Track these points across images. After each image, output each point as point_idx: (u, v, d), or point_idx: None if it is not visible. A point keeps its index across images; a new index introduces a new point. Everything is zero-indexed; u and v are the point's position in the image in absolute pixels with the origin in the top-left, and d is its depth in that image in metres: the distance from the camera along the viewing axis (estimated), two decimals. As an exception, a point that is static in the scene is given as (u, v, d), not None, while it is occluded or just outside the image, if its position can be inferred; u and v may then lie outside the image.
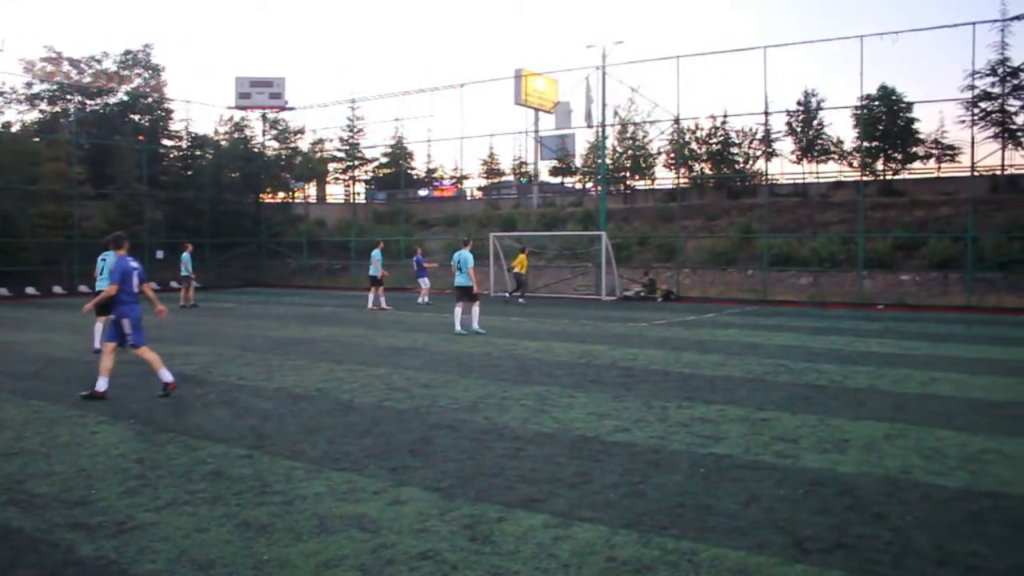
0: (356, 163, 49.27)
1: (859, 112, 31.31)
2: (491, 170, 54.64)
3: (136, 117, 43.60)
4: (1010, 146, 32.67)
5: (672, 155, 40.22)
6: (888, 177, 36.96)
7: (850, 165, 38.44)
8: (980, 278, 24.91)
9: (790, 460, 6.65)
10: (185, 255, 24.22)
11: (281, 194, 48.44)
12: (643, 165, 43.24)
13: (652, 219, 36.44)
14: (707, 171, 41.50)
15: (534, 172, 49.39)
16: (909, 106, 34.65)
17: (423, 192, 53.52)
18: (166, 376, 9.42)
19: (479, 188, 55.44)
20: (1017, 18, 29.19)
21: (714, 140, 40.84)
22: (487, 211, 42.60)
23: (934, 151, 36.54)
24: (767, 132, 35.65)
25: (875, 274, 27.19)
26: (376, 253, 23.63)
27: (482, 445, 7.15)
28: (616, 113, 40.66)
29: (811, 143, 38.60)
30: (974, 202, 25.71)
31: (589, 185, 47.96)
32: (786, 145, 39.46)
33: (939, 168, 37.53)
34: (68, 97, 43.29)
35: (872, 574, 4.37)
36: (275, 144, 46.45)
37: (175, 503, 5.54)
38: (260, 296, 30.62)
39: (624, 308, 23.90)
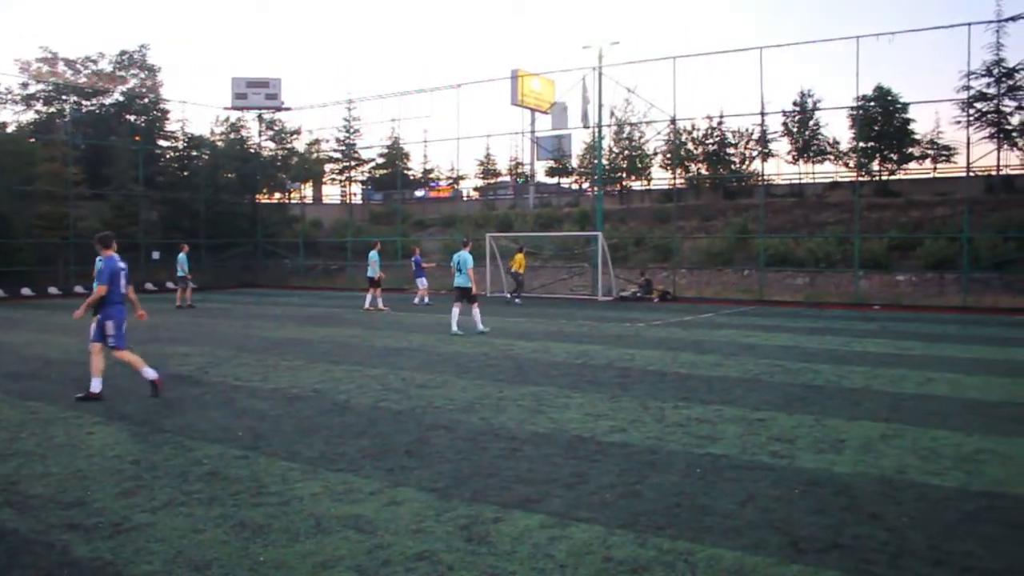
0: (352, 164, 49.27)
1: (855, 112, 31.37)
2: (487, 171, 54.67)
3: (132, 118, 43.52)
4: (1005, 147, 32.73)
5: (668, 155, 40.26)
6: (884, 178, 37.02)
7: (846, 166, 38.51)
8: (976, 278, 24.97)
9: (786, 460, 6.66)
10: (181, 256, 24.19)
11: (277, 195, 48.40)
12: (639, 166, 43.25)
13: (648, 219, 36.47)
14: (703, 171, 41.53)
15: (530, 173, 49.41)
16: (905, 107, 34.69)
17: (419, 193, 53.51)
18: (150, 374, 9.34)
19: (475, 189, 55.45)
20: (1012, 19, 29.27)
21: (710, 140, 40.87)
22: (483, 212, 42.60)
23: (930, 152, 36.62)
24: (763, 132, 35.67)
25: (871, 274, 27.24)
26: (373, 254, 23.63)
27: (478, 446, 7.15)
28: (612, 114, 40.68)
29: (807, 143, 38.65)
30: (970, 202, 25.76)
31: (585, 186, 47.98)
32: (782, 146, 39.54)
33: (935, 169, 37.61)
34: (64, 98, 43.20)
35: (868, 574, 4.37)
36: (271, 145, 46.45)
37: (171, 504, 5.53)
38: (256, 297, 30.60)
39: (620, 308, 23.92)
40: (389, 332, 16.96)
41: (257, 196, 43.48)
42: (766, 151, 37.55)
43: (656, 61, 41.04)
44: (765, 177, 36.52)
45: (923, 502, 5.59)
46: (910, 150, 36.09)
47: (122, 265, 9.48)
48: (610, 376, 11.03)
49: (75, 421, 8.22)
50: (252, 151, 43.48)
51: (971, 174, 28.51)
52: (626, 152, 42.66)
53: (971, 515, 5.32)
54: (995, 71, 31.59)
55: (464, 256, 16.60)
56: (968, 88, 29.79)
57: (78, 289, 29.81)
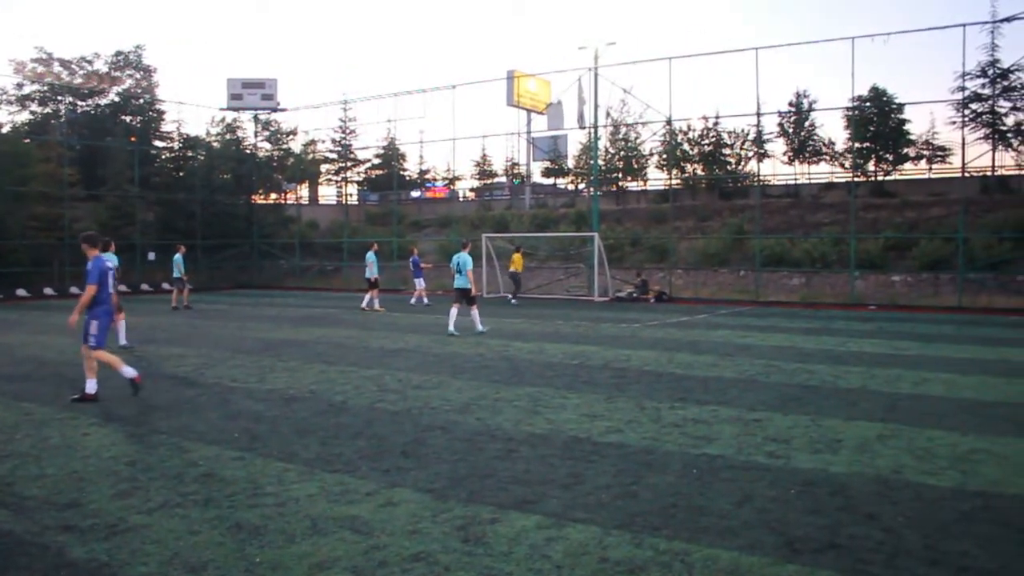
0: (348, 164, 49.24)
1: (851, 113, 31.43)
2: (483, 171, 54.66)
3: (127, 118, 43.48)
4: (1000, 147, 32.80)
5: (664, 156, 40.28)
6: (880, 178, 37.10)
7: (842, 166, 38.57)
8: (971, 279, 25.02)
9: (782, 460, 6.67)
10: (177, 257, 24.13)
11: (273, 195, 48.35)
12: (635, 166, 43.29)
13: (644, 220, 36.50)
14: (699, 172, 41.56)
15: (526, 173, 49.41)
16: (900, 107, 34.76)
17: (415, 193, 53.49)
18: (129, 372, 9.29)
19: (471, 189, 55.44)
20: (1007, 20, 29.38)
21: (706, 141, 40.91)
22: (479, 212, 42.59)
23: (925, 152, 36.68)
24: (759, 133, 35.73)
25: (867, 275, 27.29)
26: (371, 255, 23.64)
27: (475, 446, 7.15)
28: (608, 114, 40.72)
29: (803, 144, 38.71)
30: (965, 203, 25.85)
31: (581, 186, 48.00)
32: (778, 146, 39.63)
33: (930, 169, 37.69)
34: (59, 98, 43.13)
35: (864, 574, 4.38)
36: (267, 145, 46.38)
37: (167, 505, 5.52)
38: (252, 298, 30.56)
39: (616, 309, 23.93)
40: (385, 333, 16.95)
41: (253, 197, 43.43)
42: (762, 152, 37.63)
43: (652, 62, 41.04)
44: (761, 178, 36.62)
45: (919, 502, 5.60)
46: (906, 151, 36.17)
47: (110, 265, 9.45)
48: (606, 377, 11.03)
49: (70, 422, 8.20)
50: (248, 152, 43.43)
51: (966, 175, 28.61)
52: (622, 153, 42.68)
53: (967, 515, 5.34)
54: (990, 72, 31.68)
55: (464, 257, 16.60)
56: (963, 89, 29.90)
57: (73, 290, 29.75)
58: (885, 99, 34.64)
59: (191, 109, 61.49)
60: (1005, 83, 31.58)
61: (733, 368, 11.81)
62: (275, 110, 42.75)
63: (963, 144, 28.31)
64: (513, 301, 25.77)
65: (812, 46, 38.72)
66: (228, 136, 43.94)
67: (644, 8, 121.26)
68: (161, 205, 38.55)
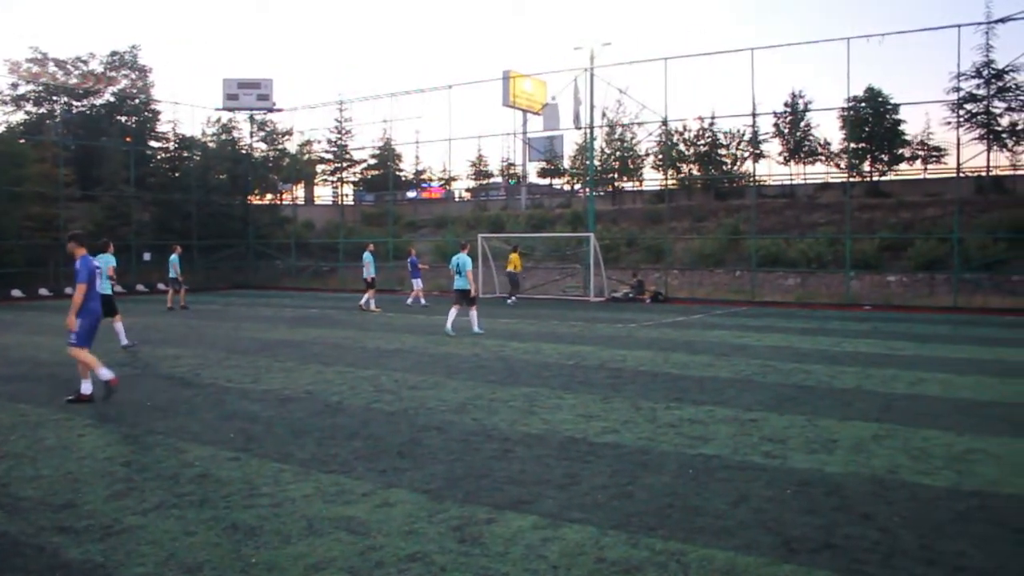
0: (344, 165, 49.18)
1: (846, 113, 31.48)
2: (479, 172, 54.63)
3: (123, 119, 43.37)
4: (995, 148, 32.87)
5: (660, 156, 40.31)
6: (875, 178, 37.16)
7: (837, 166, 38.61)
8: (966, 279, 25.08)
9: (778, 460, 6.68)
10: (173, 257, 24.08)
11: (269, 196, 48.27)
12: (631, 166, 43.30)
13: (640, 220, 36.52)
14: (695, 172, 41.60)
15: (522, 174, 49.40)
16: (895, 108, 34.84)
17: (411, 194, 53.44)
18: (105, 374, 9.22)
19: (467, 190, 55.41)
20: (1002, 20, 29.44)
21: (702, 142, 40.94)
22: (475, 213, 42.58)
23: (920, 152, 36.76)
24: (755, 133, 35.77)
25: (862, 275, 27.34)
26: (367, 255, 23.64)
27: (470, 447, 7.14)
28: (604, 115, 40.72)
29: (798, 144, 38.76)
30: (960, 203, 25.89)
31: (577, 187, 48.00)
32: (774, 147, 39.64)
33: (925, 169, 37.77)
34: (54, 98, 43.03)
35: (860, 574, 4.39)
36: (263, 146, 46.31)
37: (162, 506, 5.51)
38: (248, 298, 30.52)
39: (612, 309, 23.94)
40: (381, 333, 16.94)
41: (249, 197, 43.37)
42: (758, 152, 37.66)
43: (648, 62, 40.86)
44: (757, 178, 36.65)
45: (914, 502, 5.61)
46: (901, 151, 36.24)
47: (97, 264, 9.43)
48: (602, 377, 11.04)
49: (66, 423, 8.18)
50: (244, 152, 43.37)
51: (961, 175, 28.65)
52: (618, 153, 42.70)
53: (962, 515, 5.34)
54: (985, 72, 31.75)
55: (463, 258, 16.60)
56: (958, 89, 29.93)
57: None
58: (880, 99, 34.71)
59: (187, 109, 61.37)
60: (1000, 84, 31.66)
61: (729, 368, 11.82)
62: (271, 110, 42.72)
63: (958, 144, 28.39)
64: (509, 301, 25.77)
65: (808, 47, 38.54)
66: (224, 136, 43.87)
67: (640, 9, 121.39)
68: (157, 205, 38.48)
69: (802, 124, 38.52)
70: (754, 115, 30.20)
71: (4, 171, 30.72)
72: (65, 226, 31.92)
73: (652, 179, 44.55)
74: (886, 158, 36.42)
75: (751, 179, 36.74)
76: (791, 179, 41.37)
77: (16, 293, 30.00)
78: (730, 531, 5.01)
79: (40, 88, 42.81)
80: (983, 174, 33.10)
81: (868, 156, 36.38)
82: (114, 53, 45.73)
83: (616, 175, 43.79)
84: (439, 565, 4.47)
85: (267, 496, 5.72)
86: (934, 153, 36.58)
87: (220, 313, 22.82)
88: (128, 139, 40.06)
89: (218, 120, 43.89)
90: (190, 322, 19.79)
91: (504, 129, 62.45)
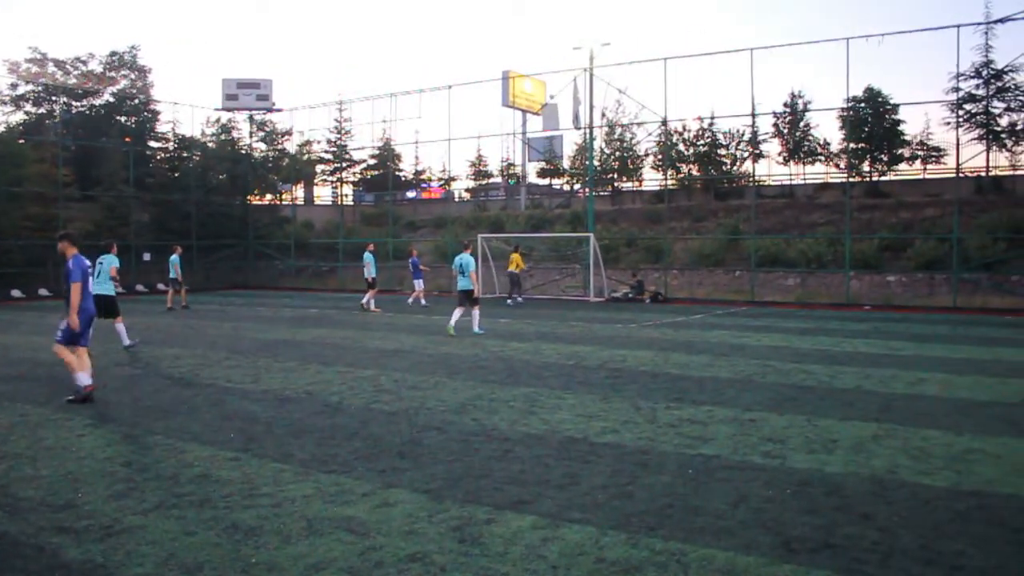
0: (344, 165, 49.16)
1: (845, 114, 31.48)
2: (479, 172, 54.60)
3: (122, 119, 43.33)
4: (994, 148, 32.88)
5: (660, 157, 40.31)
6: (874, 179, 37.15)
7: (837, 167, 38.60)
8: (965, 279, 25.09)
9: (778, 461, 6.68)
10: (174, 257, 24.08)
11: (268, 196, 48.23)
12: (631, 167, 43.29)
13: (640, 220, 36.51)
14: (694, 172, 41.59)
15: (522, 174, 49.39)
16: (895, 108, 34.82)
17: (411, 194, 53.41)
18: (83, 379, 9.20)
19: (467, 190, 55.38)
20: (1001, 21, 29.44)
21: (701, 142, 40.91)
22: (475, 213, 42.57)
23: (920, 153, 36.74)
24: (754, 134, 35.77)
25: (862, 275, 27.34)
26: (368, 256, 23.65)
27: (470, 447, 7.15)
28: (604, 115, 40.71)
29: (798, 145, 38.74)
30: (959, 203, 25.89)
31: (577, 187, 47.98)
32: (773, 147, 39.62)
33: (925, 170, 37.75)
34: (53, 99, 42.98)
35: (859, 573, 4.39)
36: (262, 146, 46.28)
37: (162, 506, 5.51)
38: (247, 298, 30.52)
39: (612, 309, 23.95)
40: (381, 334, 16.94)
41: (248, 197, 43.35)
42: (757, 152, 37.65)
43: (647, 62, 40.80)
44: (756, 178, 36.64)
45: (914, 502, 5.61)
46: (900, 151, 36.22)
47: (88, 264, 9.44)
48: (602, 377, 11.04)
49: (65, 423, 8.18)
50: (243, 152, 43.36)
51: (961, 175, 28.65)
52: (617, 153, 42.68)
53: (962, 514, 5.35)
54: (984, 73, 31.75)
55: (466, 259, 16.59)
56: (957, 90, 29.96)
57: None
58: (880, 100, 34.69)
59: (186, 109, 61.35)
60: (999, 84, 31.65)
61: (729, 368, 11.82)
62: (270, 110, 42.69)
63: (957, 145, 28.40)
64: (509, 302, 25.79)
65: (807, 47, 38.71)
66: (223, 137, 43.84)
67: (640, 9, 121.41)
68: (156, 206, 38.46)
69: (802, 124, 38.49)
70: (754, 115, 30.22)
71: (3, 171, 30.70)
72: (64, 226, 31.91)
73: (652, 179, 44.58)
74: (885, 158, 36.40)
75: (751, 179, 36.74)
76: (791, 179, 41.36)
77: (16, 293, 29.99)
78: (730, 531, 5.02)
79: (40, 88, 42.77)
80: (982, 174, 33.10)
81: (867, 156, 36.36)
82: (114, 53, 45.69)
83: (616, 175, 43.77)
84: (439, 565, 4.47)
85: (267, 496, 5.73)
86: (933, 153, 36.57)
87: (220, 313, 22.83)
88: (128, 139, 40.03)
89: (218, 120, 43.90)
90: (190, 322, 19.80)
91: (504, 129, 62.31)
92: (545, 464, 6.57)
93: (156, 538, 4.91)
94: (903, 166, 37.27)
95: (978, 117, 32.26)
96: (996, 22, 30.49)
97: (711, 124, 40.45)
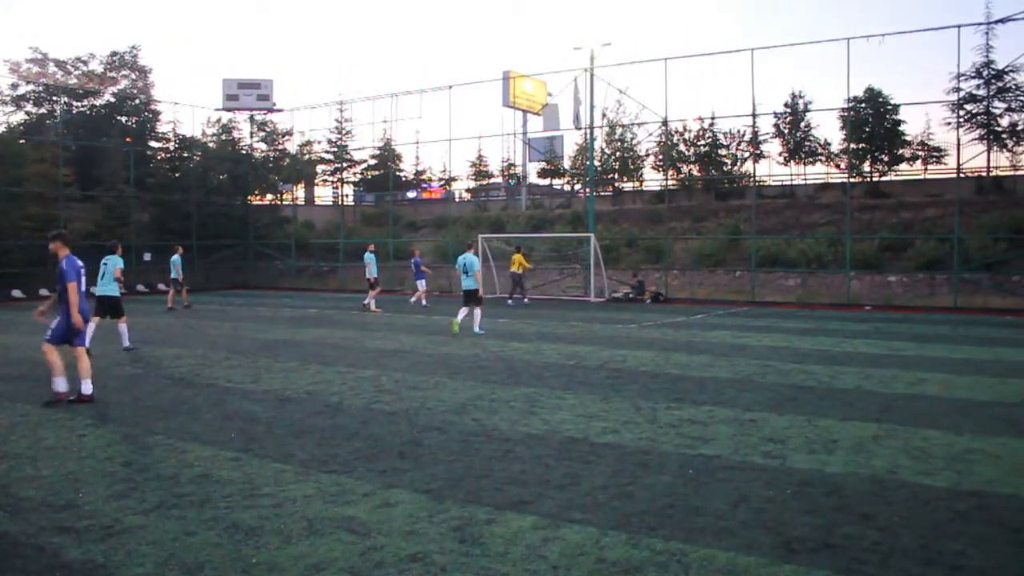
0: (344, 165, 49.17)
1: (846, 114, 31.48)
2: (480, 172, 54.59)
3: (123, 119, 43.33)
4: (995, 148, 32.86)
5: (660, 157, 40.31)
6: (875, 179, 37.14)
7: (837, 167, 38.58)
8: (966, 279, 25.08)
9: (778, 461, 6.68)
10: (175, 258, 24.09)
11: (269, 196, 48.22)
12: (631, 167, 43.28)
13: (640, 221, 36.50)
14: (695, 173, 41.58)
15: (522, 174, 49.38)
16: (895, 108, 34.80)
17: (411, 194, 53.40)
18: (60, 385, 9.16)
19: (467, 190, 55.37)
20: (1001, 21, 29.45)
21: (702, 142, 40.91)
22: (475, 213, 42.57)
23: (920, 153, 36.73)
24: (755, 134, 35.76)
25: (862, 275, 27.34)
26: (369, 256, 23.65)
27: (471, 447, 7.15)
28: (604, 115, 40.68)
29: (799, 145, 38.73)
30: (960, 203, 25.88)
31: (578, 187, 47.97)
32: (774, 147, 39.61)
33: (925, 170, 37.72)
34: (54, 99, 42.98)
35: (859, 574, 4.39)
36: (263, 146, 46.28)
37: (163, 506, 5.52)
38: (248, 298, 30.52)
39: (613, 310, 23.94)
40: (381, 334, 16.94)
41: (249, 197, 43.35)
42: (758, 152, 37.65)
43: (648, 62, 40.85)
44: (757, 178, 36.62)
45: (914, 502, 5.61)
46: (901, 151, 36.21)
47: (80, 263, 9.43)
48: (602, 377, 11.04)
49: (66, 423, 8.18)
50: (244, 152, 43.36)
51: (961, 175, 28.63)
52: (618, 153, 42.68)
53: (962, 514, 5.35)
54: (985, 73, 31.73)
55: (470, 258, 16.58)
56: (958, 90, 29.92)
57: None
58: (880, 100, 34.68)
59: (187, 109, 61.36)
60: (1000, 84, 31.64)
61: (729, 368, 11.82)
62: (271, 111, 42.68)
63: (958, 145, 28.35)
64: (510, 302, 25.79)
65: (808, 47, 38.74)
66: (224, 137, 43.85)
67: (640, 9, 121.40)
68: (156, 206, 38.45)
69: (802, 124, 38.48)
70: (754, 115, 30.21)
71: (4, 171, 30.70)
72: (65, 226, 31.91)
73: (652, 179, 44.56)
74: (886, 158, 36.39)
75: (751, 179, 36.73)
76: (791, 179, 41.33)
77: (16, 293, 29.99)
78: (730, 531, 5.02)
79: (40, 88, 42.77)
80: (983, 174, 33.08)
81: (868, 156, 36.34)
82: (114, 53, 45.70)
83: (616, 175, 43.77)
84: (439, 565, 4.47)
85: (268, 496, 5.73)
86: (934, 153, 36.55)
87: (220, 313, 22.83)
88: (128, 139, 40.02)
89: (218, 120, 43.90)
90: (190, 322, 19.80)
91: (504, 129, 62.37)
92: (546, 464, 6.57)
93: (157, 538, 4.91)
94: (904, 166, 37.29)
95: (979, 117, 32.24)
96: (997, 22, 30.51)
97: (712, 124, 40.48)
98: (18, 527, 5.15)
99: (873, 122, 35.16)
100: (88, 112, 43.96)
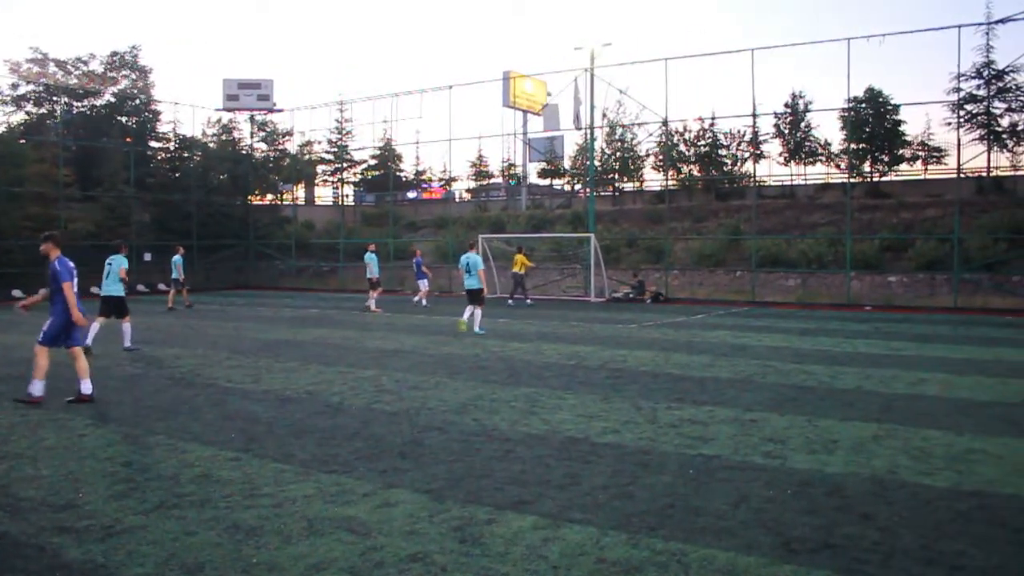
0: (344, 165, 49.17)
1: (846, 114, 31.48)
2: (480, 172, 54.60)
3: (123, 119, 43.33)
4: (995, 148, 32.86)
5: (660, 157, 40.30)
6: (875, 179, 37.14)
7: (837, 167, 38.58)
8: (966, 279, 25.08)
9: (778, 461, 6.68)
10: (177, 258, 24.09)
11: (269, 196, 48.21)
12: (631, 167, 43.28)
13: (640, 221, 36.50)
14: (695, 173, 41.58)
15: (523, 174, 49.38)
16: (896, 108, 34.80)
17: (412, 194, 53.41)
18: (37, 388, 9.14)
19: (468, 190, 55.38)
20: (1002, 21, 29.46)
21: (702, 142, 40.90)
22: (476, 213, 42.57)
23: (920, 153, 36.72)
24: (755, 134, 35.77)
25: (862, 275, 27.34)
26: (370, 256, 23.66)
27: (471, 447, 7.15)
28: (604, 115, 40.67)
29: (799, 145, 38.72)
30: (960, 204, 25.89)
31: (578, 187, 47.96)
32: (774, 147, 39.60)
33: (925, 170, 37.72)
34: (54, 99, 42.97)
35: (860, 574, 4.39)
36: (263, 146, 46.29)
37: (163, 506, 5.51)
38: (248, 298, 30.52)
39: (613, 310, 23.94)
40: (381, 334, 16.94)
41: (249, 198, 43.36)
42: (758, 152, 37.65)
43: (648, 62, 40.89)
44: (757, 178, 36.63)
45: (914, 502, 5.61)
46: (901, 151, 36.20)
47: (72, 264, 9.42)
48: (603, 377, 11.04)
49: (66, 423, 8.18)
50: (244, 152, 43.36)
51: (962, 176, 28.64)
52: (618, 153, 42.68)
53: (962, 514, 5.35)
54: (985, 73, 31.73)
55: (473, 258, 16.59)
56: (958, 90, 29.93)
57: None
58: (881, 100, 34.68)
59: (187, 110, 61.36)
60: (1000, 84, 31.64)
61: (729, 368, 11.82)
62: (271, 111, 42.68)
63: (958, 145, 28.34)
64: (510, 302, 25.79)
65: (808, 47, 38.51)
66: (224, 137, 43.85)
67: (640, 9, 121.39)
68: (157, 206, 38.45)
69: (802, 124, 38.48)
70: (754, 115, 30.21)
71: (4, 171, 30.69)
72: (65, 226, 31.90)
73: (652, 179, 44.58)
74: (886, 159, 36.38)
75: (751, 179, 36.74)
76: (791, 179, 41.32)
77: (16, 293, 29.95)
78: (731, 531, 5.02)
79: (40, 88, 42.75)
80: (983, 175, 33.08)
81: (868, 157, 36.34)
82: (114, 53, 45.65)
83: (616, 176, 43.77)
84: (440, 565, 4.47)
85: (268, 496, 5.73)
86: (934, 154, 36.55)
87: (221, 313, 22.83)
88: (128, 139, 40.02)
89: (218, 120, 43.90)
90: (190, 322, 19.80)
91: (504, 129, 62.35)
92: (546, 464, 6.57)
93: (157, 538, 4.91)
94: (904, 166, 37.29)
95: (979, 117, 32.23)
96: (997, 22, 30.52)
97: (712, 124, 40.48)
98: (18, 527, 5.15)
99: (873, 122, 35.16)
100: (88, 112, 43.95)
